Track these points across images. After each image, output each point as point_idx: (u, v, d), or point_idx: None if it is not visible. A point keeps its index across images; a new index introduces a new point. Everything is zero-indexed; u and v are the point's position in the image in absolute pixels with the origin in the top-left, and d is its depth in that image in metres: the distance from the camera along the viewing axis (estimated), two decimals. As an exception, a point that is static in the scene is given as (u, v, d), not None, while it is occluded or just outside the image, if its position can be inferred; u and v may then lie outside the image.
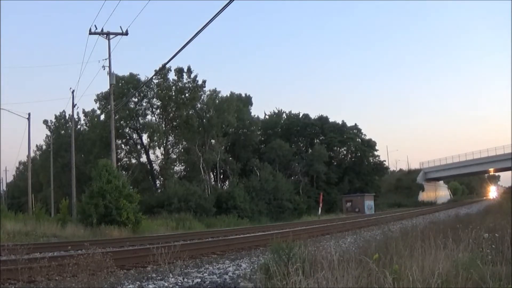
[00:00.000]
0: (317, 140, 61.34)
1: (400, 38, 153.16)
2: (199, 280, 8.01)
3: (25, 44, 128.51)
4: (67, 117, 52.58)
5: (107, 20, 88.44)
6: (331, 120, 62.73)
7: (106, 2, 51.43)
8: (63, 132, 53.65)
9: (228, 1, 11.63)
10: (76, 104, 36.30)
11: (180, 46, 16.91)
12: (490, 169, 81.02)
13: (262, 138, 58.45)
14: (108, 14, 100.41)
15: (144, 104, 47.14)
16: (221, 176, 49.74)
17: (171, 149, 48.91)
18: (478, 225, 9.10)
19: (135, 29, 67.84)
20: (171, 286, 7.50)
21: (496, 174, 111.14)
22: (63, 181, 46.93)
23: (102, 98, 44.39)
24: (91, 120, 50.41)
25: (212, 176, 48.47)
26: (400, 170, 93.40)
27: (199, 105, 46.60)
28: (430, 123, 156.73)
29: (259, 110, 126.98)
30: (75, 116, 42.02)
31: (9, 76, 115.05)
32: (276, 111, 64.25)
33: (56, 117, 54.56)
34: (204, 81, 45.48)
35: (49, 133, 54.60)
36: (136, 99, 45.95)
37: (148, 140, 47.09)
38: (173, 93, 45.25)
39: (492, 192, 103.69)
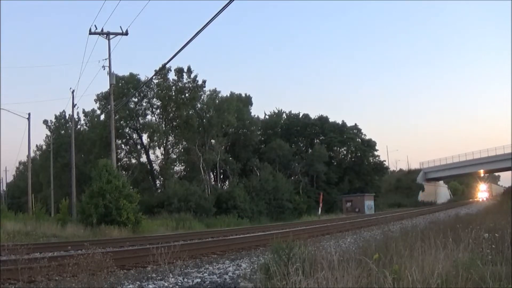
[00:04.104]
0: (317, 140, 61.35)
1: (400, 38, 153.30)
2: (199, 280, 8.02)
3: (25, 44, 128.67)
4: (67, 117, 52.58)
5: (107, 20, 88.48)
6: (331, 120, 62.82)
7: (106, 2, 51.47)
8: (63, 132, 53.63)
9: (228, 1, 11.64)
10: (76, 104, 36.36)
11: (180, 46, 16.95)
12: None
13: (262, 138, 58.42)
14: (108, 14, 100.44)
15: (144, 104, 47.23)
16: (221, 176, 49.73)
17: (171, 149, 48.95)
18: (478, 225, 9.10)
19: (135, 29, 67.80)
20: (171, 286, 7.50)
21: (496, 174, 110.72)
22: (63, 181, 46.92)
23: (102, 98, 44.40)
24: (91, 120, 50.43)
25: (212, 176, 48.47)
26: (400, 170, 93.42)
27: (199, 105, 46.60)
28: (430, 123, 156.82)
29: (259, 110, 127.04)
30: (75, 116, 42.08)
31: (9, 76, 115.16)
32: (276, 111, 64.28)
33: (56, 117, 54.60)
34: (204, 81, 45.53)
35: (49, 133, 54.62)
36: (136, 99, 45.99)
37: (148, 140, 47.20)
38: (173, 93, 45.25)
39: (482, 193, 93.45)
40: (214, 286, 7.53)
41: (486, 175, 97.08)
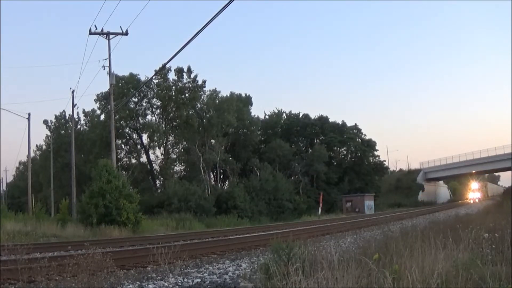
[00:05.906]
0: (317, 140, 61.33)
1: (400, 38, 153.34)
2: (199, 280, 8.01)
3: (25, 44, 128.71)
4: (67, 117, 52.59)
5: (107, 20, 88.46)
6: (331, 120, 62.82)
7: (106, 2, 51.51)
8: (63, 132, 53.63)
9: (228, 1, 11.64)
10: (76, 104, 36.42)
11: (180, 46, 16.97)
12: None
13: (262, 138, 58.40)
14: (108, 14, 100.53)
15: (144, 104, 47.25)
16: (221, 176, 49.73)
17: (171, 149, 48.99)
18: (478, 225, 9.09)
19: (135, 29, 67.82)
20: (171, 286, 7.49)
21: (496, 174, 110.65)
22: (63, 181, 46.92)
23: (102, 98, 44.42)
24: (91, 120, 50.43)
25: (212, 176, 48.48)
26: (400, 170, 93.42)
27: (199, 105, 46.63)
28: (430, 123, 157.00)
29: (259, 110, 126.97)
30: (75, 116, 42.12)
31: (9, 76, 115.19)
32: (276, 111, 64.25)
33: (56, 117, 54.60)
34: (204, 81, 45.58)
35: (49, 133, 54.64)
36: (136, 99, 46.01)
37: (148, 140, 47.22)
38: (173, 93, 45.28)
39: (474, 193, 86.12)
40: (214, 286, 7.53)
41: (486, 174, 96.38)
